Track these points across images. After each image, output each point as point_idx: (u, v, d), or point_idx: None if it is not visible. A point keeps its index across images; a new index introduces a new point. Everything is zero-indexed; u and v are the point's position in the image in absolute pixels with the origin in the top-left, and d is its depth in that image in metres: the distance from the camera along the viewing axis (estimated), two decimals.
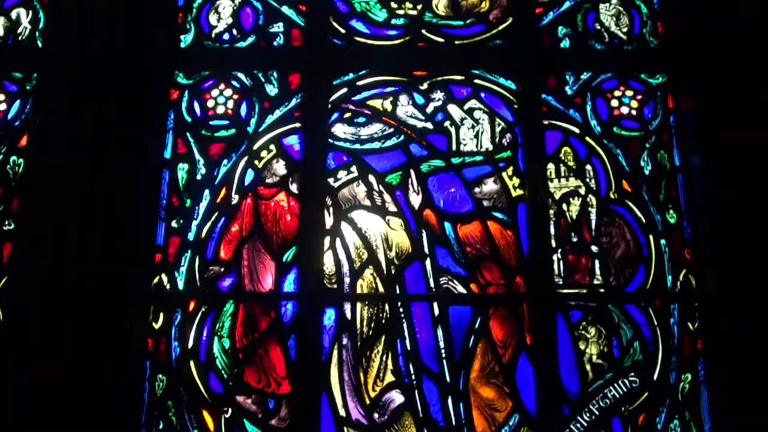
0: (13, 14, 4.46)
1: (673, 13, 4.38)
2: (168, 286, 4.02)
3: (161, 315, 3.97)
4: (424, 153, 4.20)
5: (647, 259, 4.06)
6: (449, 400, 3.87)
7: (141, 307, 3.93)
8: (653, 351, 3.93)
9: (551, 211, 4.08)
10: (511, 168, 4.17)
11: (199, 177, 4.16)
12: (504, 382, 3.89)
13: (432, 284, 4.01)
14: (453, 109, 4.26)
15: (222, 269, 4.05)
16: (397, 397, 3.88)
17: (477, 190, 4.13)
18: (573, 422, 3.83)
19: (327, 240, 4.06)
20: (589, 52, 4.38)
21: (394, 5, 4.44)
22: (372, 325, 3.96)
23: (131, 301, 3.84)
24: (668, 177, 4.17)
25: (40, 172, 3.97)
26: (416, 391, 3.88)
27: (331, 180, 4.15)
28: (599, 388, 3.87)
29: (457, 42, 4.39)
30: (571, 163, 4.17)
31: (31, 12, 4.45)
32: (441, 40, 4.39)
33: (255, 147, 4.19)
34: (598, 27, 4.42)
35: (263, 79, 4.31)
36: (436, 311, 3.98)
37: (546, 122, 4.22)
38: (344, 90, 4.28)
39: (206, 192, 4.13)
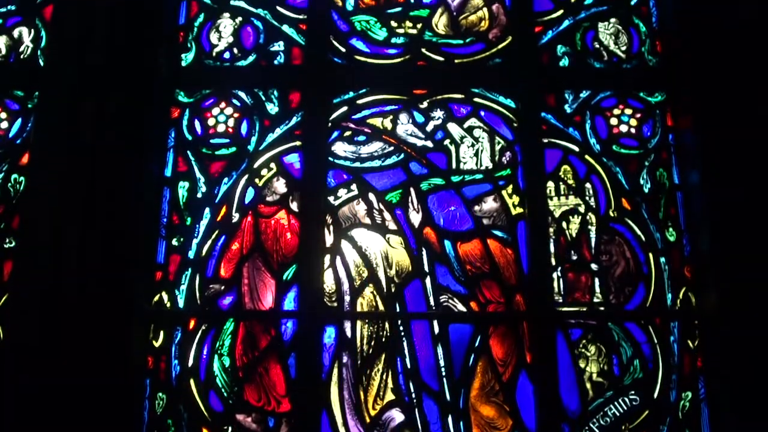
0: (15, 33, 4.48)
1: (671, 31, 4.39)
2: (168, 304, 4.02)
3: (161, 333, 3.97)
4: (424, 171, 4.21)
5: (647, 277, 4.05)
6: (449, 419, 3.86)
7: (141, 325, 3.93)
8: (653, 369, 3.92)
9: (551, 229, 4.08)
10: (510, 186, 4.17)
11: (199, 195, 4.17)
12: (504, 400, 3.89)
13: (432, 302, 4.01)
14: (453, 128, 4.27)
15: (222, 287, 4.05)
16: (397, 416, 3.87)
17: (477, 208, 4.14)
18: None
19: (327, 258, 4.06)
20: (588, 70, 4.39)
21: (394, 24, 4.46)
22: (372, 343, 3.95)
23: (131, 320, 3.84)
24: (667, 195, 4.17)
25: (41, 190, 3.98)
26: (416, 410, 3.87)
27: (331, 198, 4.15)
28: (599, 406, 3.87)
29: (456, 61, 4.41)
30: (570, 182, 4.18)
31: (33, 31, 4.47)
32: (441, 58, 4.41)
33: (255, 165, 4.20)
34: (597, 46, 4.43)
35: (264, 98, 4.32)
36: (436, 329, 3.97)
37: (545, 140, 4.22)
38: (344, 108, 4.30)
39: (207, 210, 4.14)
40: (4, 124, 4.31)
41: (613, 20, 4.48)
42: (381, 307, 4.01)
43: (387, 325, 3.98)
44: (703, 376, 3.91)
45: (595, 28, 4.46)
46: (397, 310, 4.00)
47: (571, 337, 3.96)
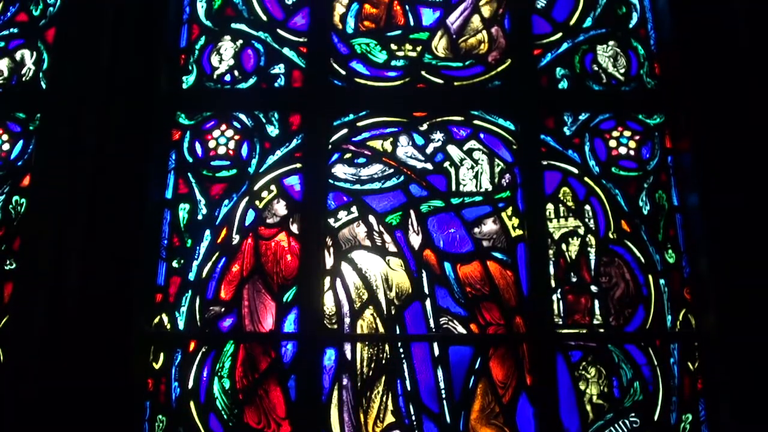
0: (18, 55, 4.51)
1: (669, 54, 4.41)
2: (168, 326, 4.02)
3: (161, 355, 3.97)
4: (424, 193, 4.22)
5: (647, 299, 4.06)
6: None
7: (141, 347, 3.93)
8: (654, 391, 3.92)
9: (550, 251, 4.09)
10: (510, 208, 4.18)
11: (200, 217, 4.18)
12: (504, 422, 3.88)
13: (432, 324, 4.01)
14: (452, 150, 4.29)
15: (222, 309, 4.05)
16: None
17: (476, 230, 4.15)
18: None
19: (327, 280, 4.07)
20: (587, 93, 4.41)
21: (394, 47, 4.49)
22: (372, 365, 3.95)
23: (131, 342, 3.84)
24: (667, 217, 4.18)
25: (42, 212, 3.99)
26: None
27: (331, 220, 4.17)
28: (600, 428, 3.86)
29: (456, 83, 4.43)
30: (570, 204, 4.19)
31: (35, 53, 4.49)
32: (440, 81, 4.43)
33: (256, 187, 4.22)
34: (596, 68, 4.45)
35: (264, 120, 4.34)
36: (436, 351, 3.97)
37: (545, 162, 4.24)
38: (344, 131, 4.32)
39: (207, 232, 4.15)
40: (6, 146, 4.32)
41: (611, 43, 4.51)
42: (381, 329, 4.01)
43: (387, 348, 3.98)
44: (703, 398, 3.91)
45: (593, 51, 4.49)
46: (397, 332, 4.00)
47: (571, 359, 3.96)
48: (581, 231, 4.15)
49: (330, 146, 4.29)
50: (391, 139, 4.31)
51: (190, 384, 3.93)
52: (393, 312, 4.03)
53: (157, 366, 3.96)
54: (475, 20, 4.56)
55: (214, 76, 4.46)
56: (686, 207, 4.18)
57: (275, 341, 3.99)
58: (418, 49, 4.49)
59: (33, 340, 3.76)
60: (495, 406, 3.90)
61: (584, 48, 4.49)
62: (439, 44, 4.51)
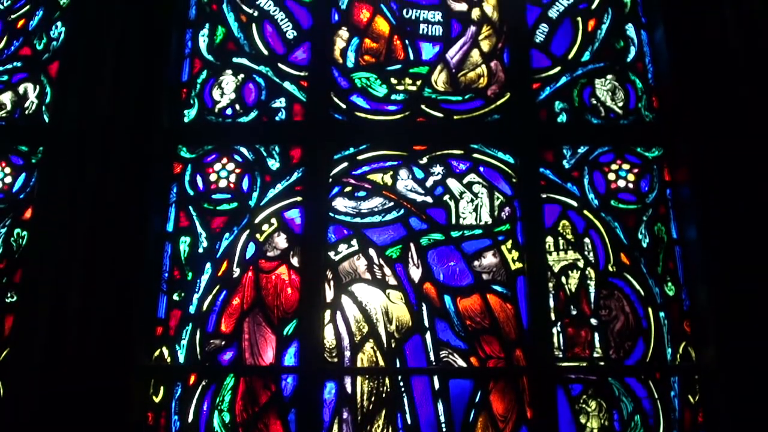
0: (21, 89, 4.55)
1: (667, 88, 4.45)
2: (169, 359, 4.02)
3: (161, 388, 3.97)
4: (424, 227, 4.24)
5: (646, 332, 4.07)
6: None
7: (141, 381, 3.93)
8: (654, 424, 3.92)
9: (550, 284, 4.10)
10: (510, 241, 4.20)
11: (200, 250, 4.19)
12: None
13: (432, 358, 4.01)
14: (452, 183, 4.31)
15: (223, 342, 4.05)
16: None
17: (476, 263, 4.16)
18: None
19: (327, 313, 4.07)
20: (585, 126, 4.45)
21: (394, 81, 4.52)
22: (372, 398, 3.95)
23: (131, 375, 3.84)
24: (666, 249, 4.20)
25: (43, 245, 4.00)
26: None
27: (331, 253, 4.18)
28: None
29: (455, 117, 4.46)
30: (569, 236, 4.21)
31: (38, 87, 4.53)
32: (440, 115, 4.46)
33: (256, 220, 4.23)
34: (594, 102, 4.49)
35: (265, 153, 4.36)
36: (437, 385, 3.97)
37: (544, 196, 4.26)
38: (345, 164, 4.34)
39: (208, 265, 4.16)
40: (8, 179, 4.35)
41: (609, 77, 4.55)
42: (381, 363, 4.01)
43: (387, 381, 3.97)
44: (704, 431, 3.90)
45: (592, 85, 4.53)
46: (398, 365, 4.00)
47: (572, 392, 3.96)
48: (581, 264, 4.16)
49: (330, 180, 4.31)
50: (391, 172, 4.34)
51: (190, 418, 3.92)
52: (393, 345, 4.03)
53: (157, 399, 3.95)
54: (475, 54, 4.60)
55: (216, 110, 4.49)
56: (685, 240, 4.20)
57: (275, 375, 3.99)
58: (418, 83, 4.53)
59: (33, 373, 3.75)
60: None
61: (583, 82, 4.53)
62: (439, 78, 4.54)
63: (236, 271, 4.16)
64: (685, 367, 4.01)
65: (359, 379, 3.98)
